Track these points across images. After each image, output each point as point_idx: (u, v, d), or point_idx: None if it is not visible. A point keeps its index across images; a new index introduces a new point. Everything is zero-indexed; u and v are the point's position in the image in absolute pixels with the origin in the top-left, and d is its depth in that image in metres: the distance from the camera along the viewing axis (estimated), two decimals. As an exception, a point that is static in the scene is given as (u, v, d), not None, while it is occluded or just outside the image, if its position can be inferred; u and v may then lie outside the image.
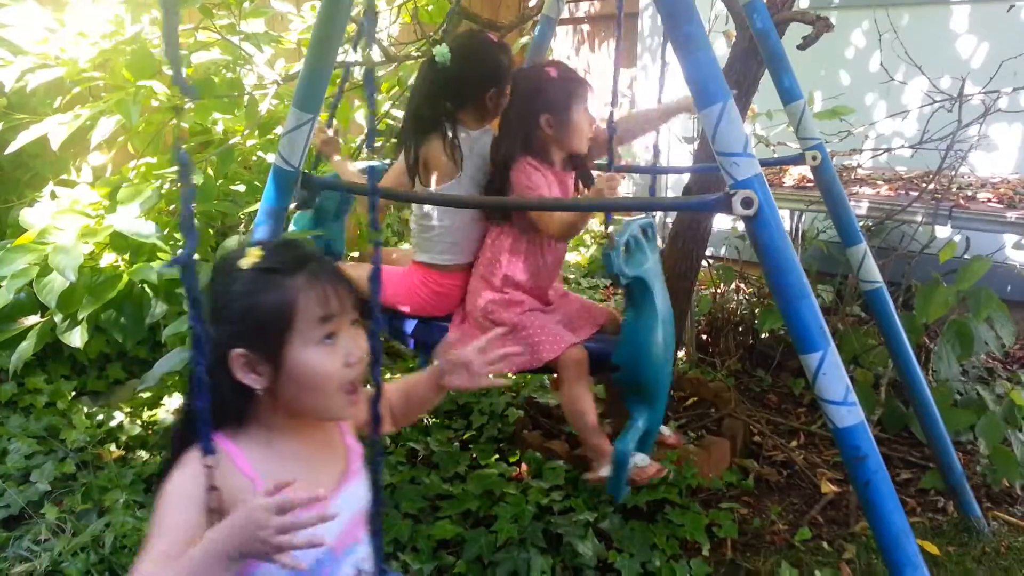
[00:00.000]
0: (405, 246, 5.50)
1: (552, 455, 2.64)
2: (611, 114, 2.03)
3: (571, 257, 5.39)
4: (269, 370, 1.11)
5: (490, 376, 1.41)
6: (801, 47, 2.46)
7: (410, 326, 2.22)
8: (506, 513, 2.28)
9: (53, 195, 2.48)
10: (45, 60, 2.68)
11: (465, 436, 2.86)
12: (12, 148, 2.52)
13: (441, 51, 2.11)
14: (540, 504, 2.36)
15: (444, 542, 2.24)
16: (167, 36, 0.99)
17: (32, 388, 2.97)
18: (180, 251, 0.99)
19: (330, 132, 2.25)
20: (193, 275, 0.99)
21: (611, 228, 1.92)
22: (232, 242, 2.24)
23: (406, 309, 2.20)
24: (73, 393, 3.05)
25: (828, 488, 2.57)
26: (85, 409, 2.95)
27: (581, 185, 2.20)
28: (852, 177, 3.68)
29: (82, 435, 2.76)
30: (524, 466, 2.62)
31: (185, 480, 1.05)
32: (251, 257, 1.12)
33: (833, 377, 1.43)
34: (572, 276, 5.03)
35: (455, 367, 1.38)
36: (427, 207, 2.20)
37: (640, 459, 1.92)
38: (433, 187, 2.14)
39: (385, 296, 2.15)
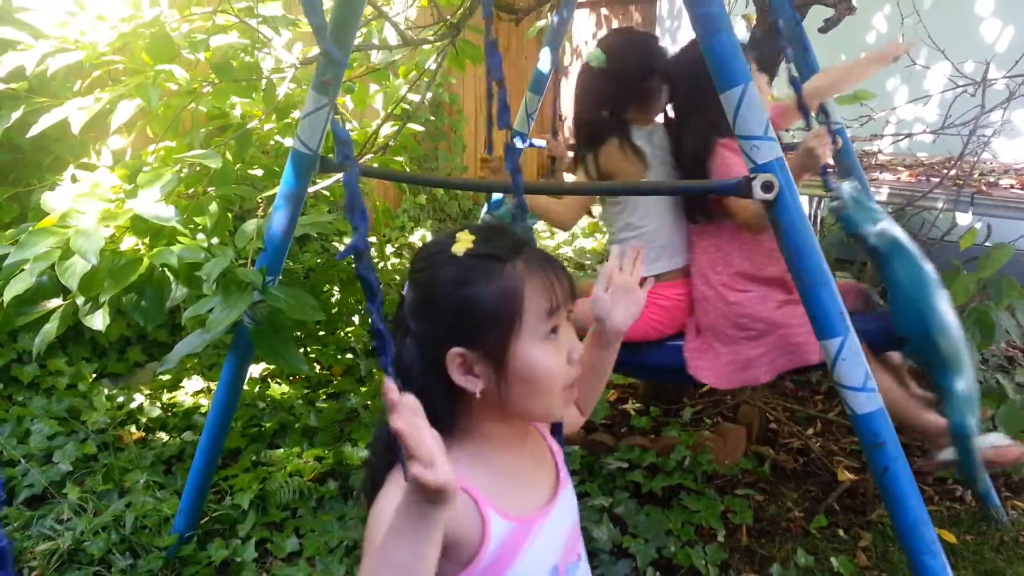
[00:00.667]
0: (419, 232, 5.51)
1: (568, 441, 2.64)
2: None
3: (587, 244, 5.37)
4: (489, 370, 0.98)
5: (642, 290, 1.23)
6: (823, 30, 2.44)
7: (639, 356, 2.01)
8: (522, 497, 2.29)
9: (74, 179, 2.49)
10: (65, 44, 2.69)
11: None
12: (33, 131, 2.54)
13: (595, 55, 2.08)
14: (556, 488, 2.37)
15: (460, 525, 2.25)
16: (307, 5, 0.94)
17: (54, 370, 3.01)
18: (352, 238, 0.87)
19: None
20: (369, 263, 0.88)
21: (833, 185, 1.73)
22: (250, 226, 2.25)
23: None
24: (94, 375, 3.09)
25: (845, 476, 2.56)
26: (106, 391, 2.99)
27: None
28: (872, 163, 3.64)
29: (103, 417, 2.80)
30: (540, 451, 2.63)
31: (392, 499, 0.89)
32: (463, 242, 0.99)
33: (852, 363, 1.43)
34: (588, 262, 5.02)
35: (610, 303, 1.19)
36: (625, 216, 2.10)
37: (996, 438, 1.70)
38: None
39: None
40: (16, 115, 2.72)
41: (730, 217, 1.95)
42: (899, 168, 3.58)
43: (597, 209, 3.89)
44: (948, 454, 1.72)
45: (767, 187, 1.42)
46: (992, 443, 1.69)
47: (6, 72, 2.61)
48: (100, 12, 2.70)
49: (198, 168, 2.58)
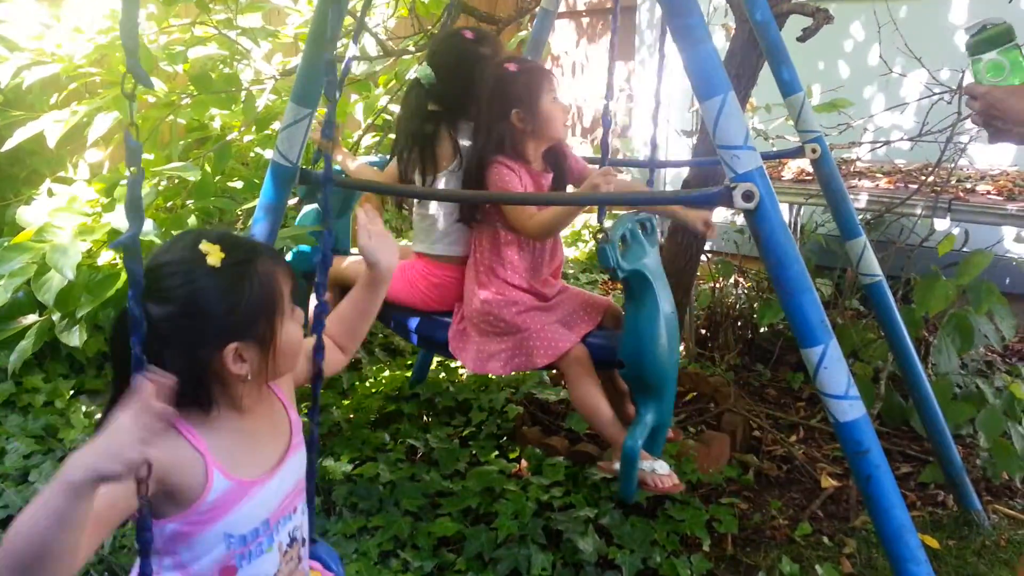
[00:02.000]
0: (404, 242, 5.50)
1: (552, 451, 2.63)
2: (606, 107, 2.02)
3: (569, 252, 5.38)
4: (256, 354, 1.14)
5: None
6: (801, 39, 2.46)
7: (413, 323, 2.21)
8: (506, 510, 2.28)
9: (50, 193, 2.46)
10: (41, 56, 2.67)
11: (464, 433, 2.85)
12: (8, 145, 2.52)
13: (423, 71, 2.16)
14: (540, 500, 2.36)
15: (444, 539, 2.24)
16: (124, 26, 1.01)
17: (30, 387, 2.96)
18: (125, 233, 1.00)
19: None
20: (138, 257, 1.01)
21: (607, 223, 1.90)
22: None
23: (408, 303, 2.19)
24: (71, 392, 3.04)
25: (828, 483, 2.57)
26: (83, 408, 2.94)
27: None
28: (851, 170, 3.67)
29: (81, 434, 2.75)
30: (524, 462, 2.62)
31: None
32: (215, 254, 1.11)
33: (835, 371, 1.43)
34: (571, 271, 5.02)
35: (375, 248, 1.38)
36: (422, 205, 2.21)
37: (660, 466, 1.87)
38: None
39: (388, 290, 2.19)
40: (-10, 128, 2.70)
41: (501, 225, 2.06)
42: (877, 175, 3.61)
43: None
44: (616, 466, 1.88)
45: (747, 196, 1.42)
46: (653, 469, 1.86)
47: (-20, 85, 2.59)
48: (77, 24, 2.68)
49: (177, 181, 2.56)
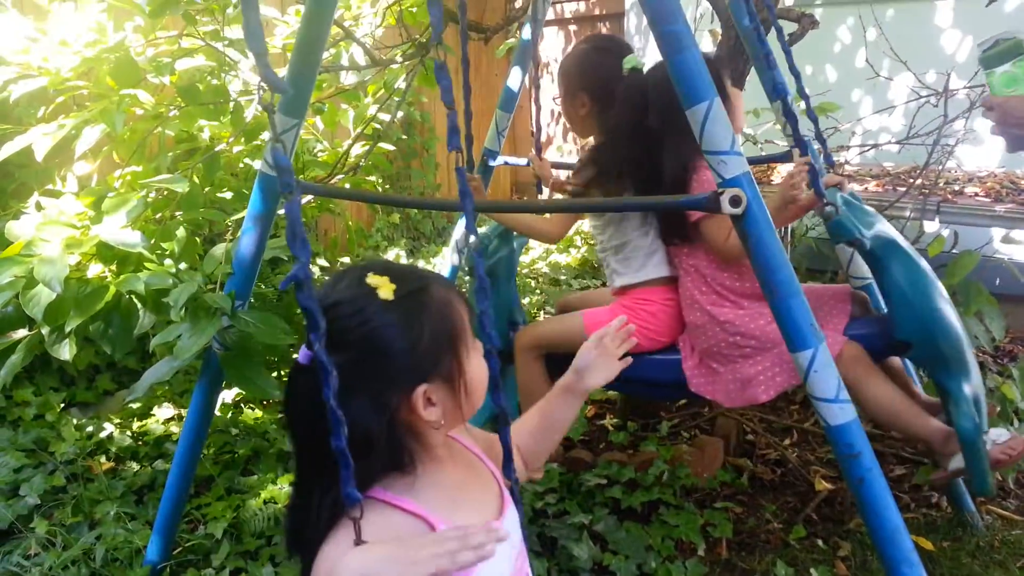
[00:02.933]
0: (393, 252, 5.49)
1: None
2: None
3: (560, 258, 5.38)
4: (445, 395, 1.02)
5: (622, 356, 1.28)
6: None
7: (634, 370, 1.95)
8: (500, 517, 2.27)
9: (39, 206, 2.45)
10: (28, 70, 2.66)
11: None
12: (-4, 159, 2.50)
13: (632, 59, 2.02)
14: (534, 507, 2.35)
15: (439, 548, 2.23)
16: (249, 29, 0.92)
17: (20, 400, 2.95)
18: (293, 267, 0.86)
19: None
20: (311, 293, 0.88)
21: (826, 180, 1.70)
22: (219, 250, 2.22)
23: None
24: (62, 405, 3.03)
25: (822, 486, 2.57)
26: (74, 421, 2.93)
27: None
28: (840, 173, 3.69)
29: (72, 447, 2.74)
30: (518, 469, 2.61)
31: (340, 552, 0.92)
32: (386, 287, 0.99)
33: (825, 375, 1.43)
34: (563, 277, 5.02)
35: (592, 359, 1.25)
36: (604, 229, 2.07)
37: (996, 434, 1.64)
38: None
39: None
40: (-23, 143, 2.68)
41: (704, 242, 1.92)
42: (866, 178, 3.63)
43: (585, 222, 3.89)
44: (957, 461, 1.67)
45: (735, 201, 1.42)
46: (994, 440, 1.64)
47: (-34, 99, 2.58)
48: (63, 37, 2.67)
49: (165, 193, 2.55)
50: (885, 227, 1.70)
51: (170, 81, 2.69)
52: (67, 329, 2.01)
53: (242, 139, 2.88)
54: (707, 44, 3.87)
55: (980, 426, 1.60)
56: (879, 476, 1.43)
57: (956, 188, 3.41)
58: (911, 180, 3.35)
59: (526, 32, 2.73)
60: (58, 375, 3.15)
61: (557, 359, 1.95)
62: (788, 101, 2.00)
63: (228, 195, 2.88)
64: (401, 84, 3.37)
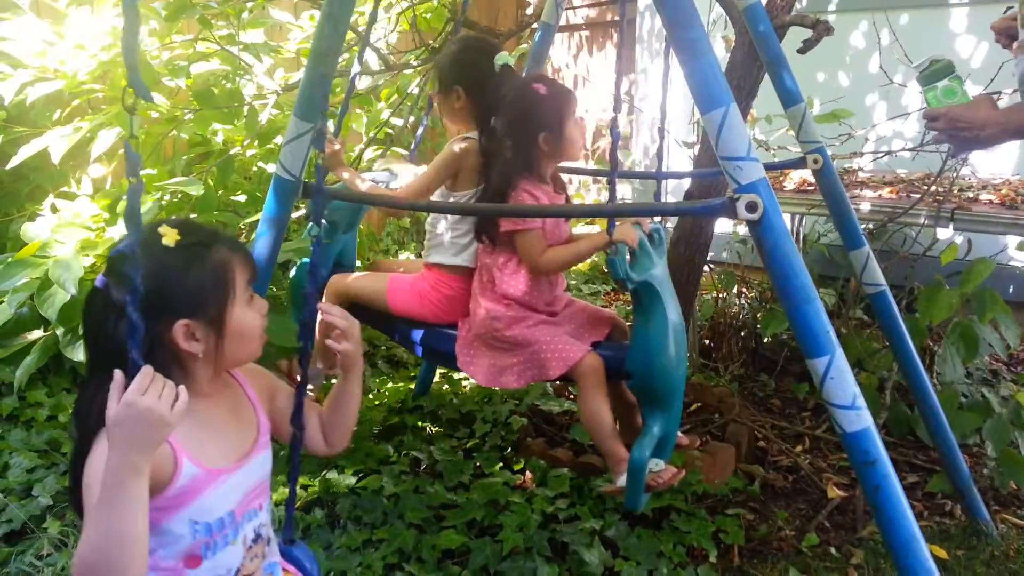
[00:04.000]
0: (404, 255, 5.50)
1: (557, 463, 2.63)
2: (614, 120, 2.02)
3: (572, 263, 5.38)
4: (209, 334, 1.20)
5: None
6: (801, 51, 2.46)
7: (418, 335, 2.21)
8: (511, 522, 2.27)
9: (54, 208, 2.47)
10: (44, 73, 2.69)
11: (468, 445, 2.85)
12: (13, 163, 2.52)
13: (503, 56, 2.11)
14: (545, 512, 2.35)
15: (449, 552, 2.23)
16: (124, 40, 1.01)
17: (33, 402, 2.96)
18: (124, 241, 1.03)
19: (336, 145, 2.24)
20: (136, 266, 1.06)
21: (616, 232, 1.90)
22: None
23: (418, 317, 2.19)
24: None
25: (834, 493, 2.55)
26: (87, 422, 2.94)
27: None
28: (854, 180, 3.67)
29: (84, 448, 2.74)
30: (528, 474, 2.61)
31: (102, 457, 1.07)
32: (170, 236, 1.17)
33: (841, 381, 1.42)
34: (573, 282, 5.02)
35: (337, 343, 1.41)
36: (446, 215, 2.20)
37: (654, 463, 1.85)
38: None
39: (395, 304, 2.19)
40: (-6, 145, 2.71)
41: (511, 249, 2.05)
42: (880, 185, 3.61)
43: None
44: (622, 481, 1.86)
45: (751, 207, 1.42)
46: (650, 468, 1.83)
47: (-16, 102, 2.60)
48: (79, 41, 2.70)
49: (180, 195, 2.57)
50: (660, 273, 1.87)
51: (185, 84, 2.71)
52: (81, 330, 2.02)
53: (256, 142, 2.90)
54: (720, 50, 3.86)
55: (645, 458, 1.79)
56: (895, 484, 1.42)
57: (970, 195, 3.38)
58: (925, 187, 3.32)
59: (538, 37, 2.74)
60: (70, 376, 3.15)
61: (363, 309, 2.17)
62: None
63: (242, 198, 2.90)
64: (414, 89, 3.38)
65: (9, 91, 2.59)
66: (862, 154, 3.74)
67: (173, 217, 1.46)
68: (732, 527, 2.32)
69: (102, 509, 1.02)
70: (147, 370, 1.05)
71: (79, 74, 2.69)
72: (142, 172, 2.66)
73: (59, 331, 2.02)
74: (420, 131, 2.62)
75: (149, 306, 1.12)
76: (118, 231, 2.12)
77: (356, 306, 2.22)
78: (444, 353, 2.16)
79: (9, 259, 2.12)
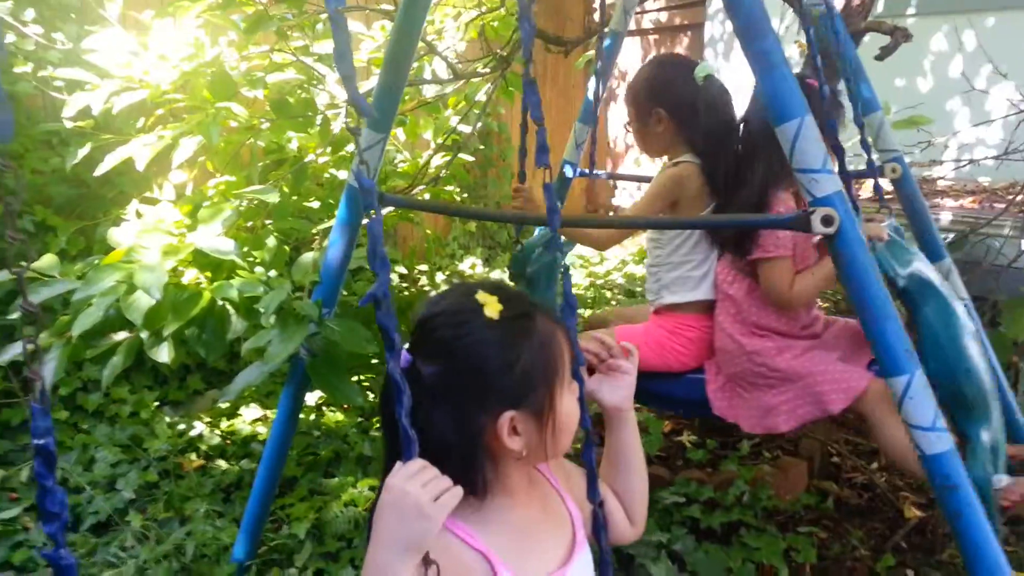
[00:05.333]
0: (469, 260, 5.54)
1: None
2: None
3: (636, 270, 5.34)
4: (532, 428, 1.00)
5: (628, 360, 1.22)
6: (879, 58, 2.40)
7: (660, 386, 2.01)
8: (576, 531, 2.26)
9: (138, 213, 2.57)
10: (129, 83, 2.79)
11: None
12: (101, 170, 2.63)
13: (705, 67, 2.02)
14: (610, 523, 2.33)
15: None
16: (339, 52, 0.93)
17: (117, 398, 3.09)
18: (372, 285, 0.87)
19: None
20: (389, 311, 0.88)
21: (866, 230, 1.67)
22: (307, 259, 2.29)
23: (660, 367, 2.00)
24: (156, 403, 3.16)
25: (912, 513, 2.47)
26: (167, 419, 3.05)
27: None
28: (934, 189, 3.55)
29: (164, 444, 2.86)
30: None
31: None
32: (492, 305, 0.99)
33: (921, 401, 1.38)
34: (639, 289, 4.98)
35: (596, 386, 1.21)
36: (666, 243, 2.07)
37: (996, 480, 1.63)
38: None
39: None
40: (83, 152, 2.83)
41: (754, 276, 1.90)
42: (962, 194, 3.48)
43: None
44: None
45: (827, 221, 1.39)
46: (994, 485, 1.62)
47: (75, 111, 2.73)
48: (162, 52, 2.80)
49: (256, 202, 2.64)
50: (923, 266, 1.67)
51: (262, 95, 2.79)
52: (164, 333, 2.10)
53: (328, 150, 2.96)
54: (793, 55, 3.79)
55: (990, 474, 1.59)
56: (978, 509, 1.37)
57: (1059, 204, 3.24)
58: (1010, 197, 3.20)
59: (607, 45, 2.73)
60: (152, 374, 3.28)
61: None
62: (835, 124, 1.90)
63: (315, 204, 2.97)
64: (481, 96, 3.41)
65: (97, 101, 2.70)
66: (942, 162, 3.62)
67: (485, 280, 1.08)
68: (804, 545, 2.26)
69: None
70: (418, 460, 0.88)
71: (162, 84, 2.79)
72: (222, 179, 2.76)
73: (143, 334, 2.10)
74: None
75: (467, 392, 0.97)
76: (199, 237, 2.19)
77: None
78: (695, 402, 1.98)
79: (96, 262, 2.21)
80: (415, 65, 3.18)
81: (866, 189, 3.62)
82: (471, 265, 5.46)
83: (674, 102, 2.02)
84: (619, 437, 1.22)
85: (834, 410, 1.75)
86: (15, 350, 2.06)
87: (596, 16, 3.94)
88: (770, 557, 2.19)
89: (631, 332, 2.03)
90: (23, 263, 0.76)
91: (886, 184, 3.09)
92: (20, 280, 0.76)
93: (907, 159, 2.29)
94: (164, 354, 2.07)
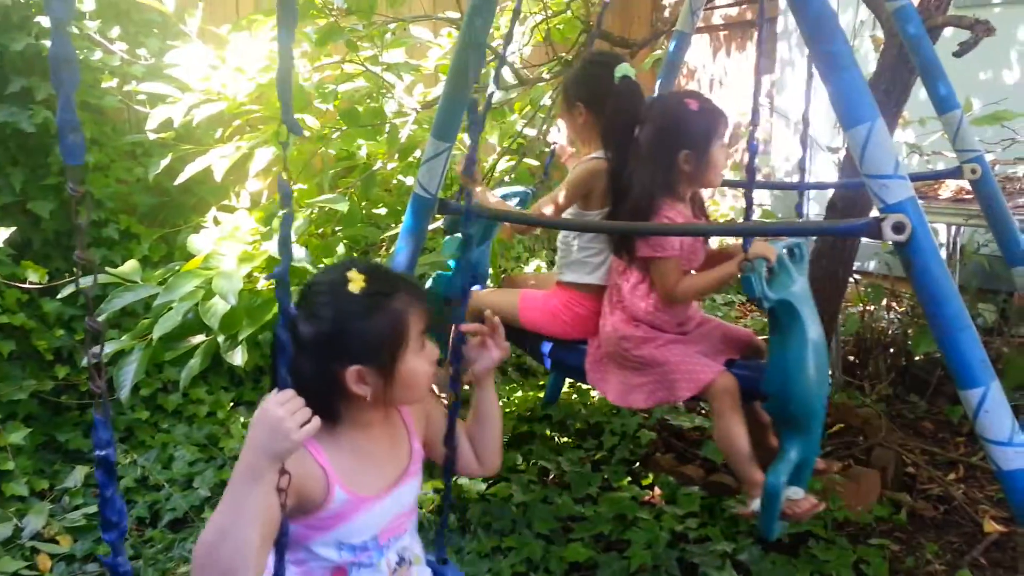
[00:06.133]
0: (535, 263, 5.56)
1: (686, 480, 2.58)
2: (751, 133, 1.96)
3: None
4: (378, 379, 1.24)
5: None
6: (957, 54, 2.31)
7: (548, 348, 2.25)
8: (639, 538, 2.25)
9: (216, 221, 2.67)
10: (208, 95, 2.91)
11: (596, 456, 2.84)
12: (181, 179, 2.75)
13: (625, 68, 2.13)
14: (674, 531, 2.32)
15: (576, 564, 2.24)
16: (280, 75, 1.01)
17: (195, 399, 3.21)
18: (277, 268, 1.05)
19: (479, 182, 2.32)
20: (287, 290, 1.07)
21: (751, 250, 1.84)
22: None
23: (547, 331, 2.23)
24: (232, 404, 3.27)
25: (992, 527, 2.37)
26: (242, 419, 3.16)
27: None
28: (1017, 188, 3.39)
29: (239, 444, 2.95)
30: (657, 490, 2.58)
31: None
32: (356, 282, 1.23)
33: (997, 415, 1.33)
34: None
35: (473, 355, 1.46)
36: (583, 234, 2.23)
37: (793, 491, 1.79)
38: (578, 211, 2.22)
39: (527, 320, 2.23)
40: (165, 162, 2.96)
41: (644, 269, 2.01)
42: (1049, 192, 3.32)
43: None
44: (756, 505, 1.81)
45: (898, 228, 1.35)
46: (788, 496, 1.76)
47: (157, 123, 2.85)
48: (239, 65, 2.90)
49: (327, 209, 2.72)
50: (799, 290, 1.76)
51: (333, 106, 2.86)
52: (240, 337, 2.18)
53: (396, 157, 3.02)
54: (869, 49, 3.67)
55: (781, 483, 1.73)
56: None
57: None
58: (1103, 194, 3.03)
59: (673, 46, 2.71)
60: (228, 375, 3.40)
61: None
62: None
63: (383, 211, 3.03)
64: (547, 100, 3.42)
65: (178, 113, 2.82)
66: (1028, 160, 3.45)
67: (359, 261, 1.53)
68: (875, 558, 2.20)
69: (225, 500, 1.06)
70: (290, 391, 1.07)
71: (238, 96, 2.90)
72: (295, 187, 2.84)
73: (220, 338, 2.19)
74: (552, 148, 2.65)
75: (327, 346, 1.21)
76: (273, 244, 2.27)
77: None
78: (575, 367, 2.19)
79: (177, 269, 2.32)
80: (482, 71, 3.21)
81: (946, 188, 3.49)
82: (536, 267, 5.47)
83: (591, 98, 2.15)
84: (481, 396, 1.48)
85: (681, 396, 1.94)
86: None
87: (666, 13, 3.91)
88: (840, 569, 2.13)
89: (532, 297, 2.27)
90: (91, 281, 0.82)
91: (965, 182, 2.97)
92: (88, 299, 0.82)
93: (990, 156, 2.20)
94: (239, 357, 2.15)
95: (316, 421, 1.08)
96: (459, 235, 2.32)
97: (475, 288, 2.47)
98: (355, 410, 1.28)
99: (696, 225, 2.09)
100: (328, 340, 1.22)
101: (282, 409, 1.05)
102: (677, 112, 1.97)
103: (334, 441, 1.26)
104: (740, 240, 1.69)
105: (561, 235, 2.31)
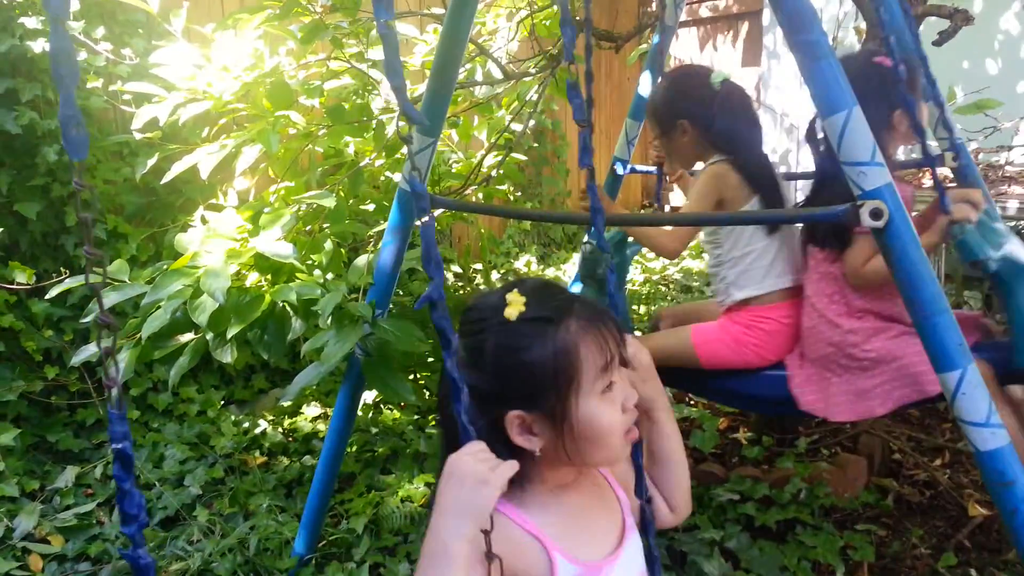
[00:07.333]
0: (524, 258, 5.56)
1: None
2: None
3: (692, 264, 5.29)
4: (548, 429, 1.00)
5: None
6: (937, 43, 2.34)
7: (738, 384, 1.98)
8: (629, 528, 2.27)
9: (203, 220, 2.67)
10: (194, 94, 2.90)
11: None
12: (167, 178, 2.75)
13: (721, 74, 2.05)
14: (664, 519, 2.33)
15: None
16: (389, 64, 0.90)
17: (186, 398, 3.22)
18: (427, 288, 0.88)
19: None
20: (445, 312, 0.89)
21: (955, 211, 1.62)
22: (362, 261, 2.34)
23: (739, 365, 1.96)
24: (222, 402, 3.28)
25: (976, 511, 2.40)
26: (232, 417, 3.17)
27: None
28: (1000, 176, 3.43)
29: (229, 442, 2.97)
30: (647, 480, 2.60)
31: None
32: (515, 306, 1.00)
33: (974, 397, 1.35)
34: (696, 284, 4.93)
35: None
36: (723, 240, 2.04)
37: None
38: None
39: (707, 356, 1.97)
40: (151, 162, 2.96)
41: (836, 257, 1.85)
42: (1032, 179, 3.35)
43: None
44: None
45: (876, 214, 1.37)
46: None
47: (143, 123, 2.85)
48: (224, 63, 2.90)
49: (315, 206, 2.72)
50: (1016, 248, 1.59)
51: (319, 103, 2.86)
52: (229, 335, 2.18)
53: (383, 154, 3.02)
54: (853, 40, 3.70)
55: None
56: (1037, 506, 1.33)
57: None
58: (1085, 181, 3.07)
59: (656, 38, 2.72)
60: (218, 374, 3.41)
61: (667, 371, 1.92)
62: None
63: (370, 207, 3.04)
64: (533, 95, 3.43)
65: (164, 113, 2.82)
66: (1011, 148, 3.48)
67: (531, 280, 1.11)
68: (862, 543, 2.23)
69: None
70: (480, 443, 0.91)
71: (224, 94, 2.89)
72: (282, 185, 2.84)
73: (208, 335, 2.19)
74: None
75: (481, 389, 0.97)
76: (260, 241, 2.27)
77: (662, 370, 2.02)
78: (777, 399, 1.92)
79: (164, 268, 2.32)
80: (467, 67, 3.22)
81: (928, 176, 3.52)
82: (526, 263, 5.49)
83: (695, 111, 2.03)
84: (655, 433, 1.22)
85: (934, 391, 1.67)
86: (88, 352, 2.17)
87: (652, 7, 3.92)
88: (827, 555, 2.16)
89: (706, 330, 2.00)
90: (100, 277, 0.79)
91: (947, 172, 3.00)
92: (98, 294, 0.77)
93: (973, 145, 2.22)
94: (228, 355, 2.16)
95: (513, 463, 0.90)
96: (589, 280, 2.15)
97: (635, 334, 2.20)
98: (538, 464, 1.03)
99: (682, 215, 2.09)
100: (480, 380, 0.98)
101: (472, 457, 0.88)
102: (879, 72, 1.79)
103: (534, 503, 1.03)
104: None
105: (710, 265, 2.12)
